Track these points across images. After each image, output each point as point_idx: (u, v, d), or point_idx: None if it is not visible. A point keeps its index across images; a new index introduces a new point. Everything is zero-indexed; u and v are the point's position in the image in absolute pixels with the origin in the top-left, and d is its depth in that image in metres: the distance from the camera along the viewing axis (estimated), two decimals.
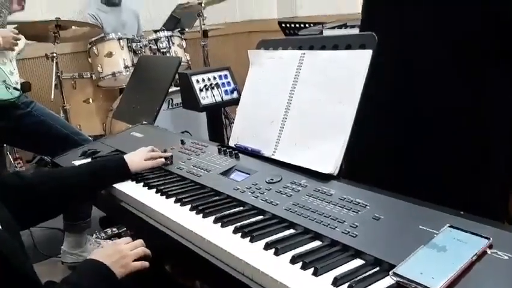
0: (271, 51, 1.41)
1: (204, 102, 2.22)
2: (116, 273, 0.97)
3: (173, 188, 1.20)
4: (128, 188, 1.26)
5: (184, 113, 2.74)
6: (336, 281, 0.74)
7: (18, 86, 1.75)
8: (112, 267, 0.97)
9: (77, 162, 1.50)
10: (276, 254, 0.85)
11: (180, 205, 1.10)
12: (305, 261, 0.80)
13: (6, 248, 0.88)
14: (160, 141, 1.53)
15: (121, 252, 1.03)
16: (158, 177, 1.30)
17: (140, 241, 1.09)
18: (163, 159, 1.37)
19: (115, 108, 2.55)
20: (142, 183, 1.27)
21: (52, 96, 2.79)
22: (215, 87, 2.28)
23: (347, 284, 0.73)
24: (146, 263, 1.04)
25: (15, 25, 2.66)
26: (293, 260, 0.82)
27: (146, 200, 1.17)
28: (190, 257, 0.96)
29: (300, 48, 1.33)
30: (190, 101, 2.27)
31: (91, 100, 3.30)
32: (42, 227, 2.40)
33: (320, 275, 0.77)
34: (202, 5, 3.46)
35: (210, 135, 2.46)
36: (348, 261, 0.81)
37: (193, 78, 2.24)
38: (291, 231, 0.95)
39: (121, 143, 1.65)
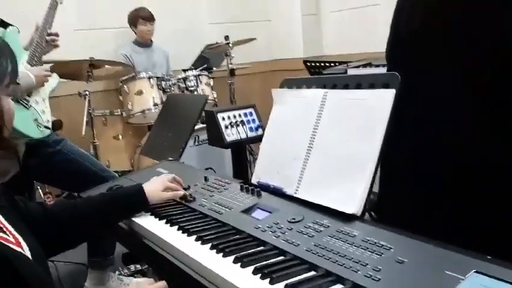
0: (295, 90, 1.42)
1: (228, 139, 2.24)
2: None
3: (195, 226, 1.19)
4: (150, 224, 1.27)
5: (210, 150, 2.77)
6: None
7: (49, 125, 1.81)
8: None
9: None
10: None
11: (201, 243, 1.10)
12: None
13: (32, 275, 0.88)
14: (184, 178, 1.54)
15: None
16: (181, 213, 1.30)
17: (163, 283, 1.08)
18: (181, 193, 1.38)
19: (143, 145, 2.60)
20: (164, 220, 1.28)
21: (83, 133, 2.88)
22: (240, 124, 2.30)
23: None
24: None
25: (51, 64, 2.80)
26: None
27: (167, 237, 1.16)
28: None
29: (323, 87, 1.34)
30: (215, 137, 2.29)
31: (120, 136, 3.39)
32: (67, 262, 2.43)
33: None
34: (230, 45, 3.56)
35: (234, 171, 2.47)
36: None
37: (219, 116, 2.27)
38: (312, 273, 0.92)
39: (146, 179, 1.65)
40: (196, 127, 2.94)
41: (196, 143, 2.93)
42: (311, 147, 1.29)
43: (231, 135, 2.26)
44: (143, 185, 1.36)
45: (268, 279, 0.90)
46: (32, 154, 1.76)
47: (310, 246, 0.99)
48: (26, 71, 1.74)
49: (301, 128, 1.33)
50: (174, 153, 2.04)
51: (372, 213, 2.03)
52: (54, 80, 2.01)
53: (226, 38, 3.62)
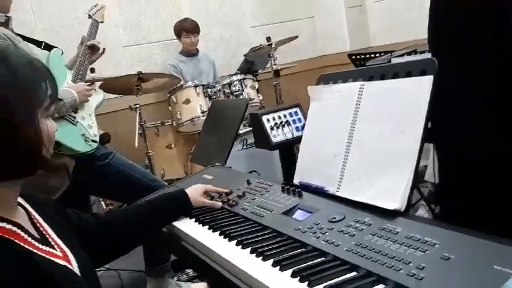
0: (331, 85, 1.38)
1: (275, 140, 2.21)
2: None
3: (236, 230, 1.19)
4: (193, 230, 1.27)
5: (258, 153, 2.75)
6: None
7: (97, 139, 1.87)
8: None
9: None
10: None
11: (241, 248, 1.09)
12: None
13: None
14: (228, 182, 1.55)
15: None
16: (223, 219, 1.30)
17: None
18: (219, 204, 1.41)
19: (193, 152, 2.64)
20: (207, 226, 1.28)
21: (136, 145, 2.97)
22: (285, 125, 2.27)
23: None
24: None
25: (103, 81, 2.92)
26: None
27: (209, 243, 1.16)
28: None
29: (360, 79, 1.29)
30: (261, 140, 2.27)
31: (172, 145, 3.46)
32: (129, 270, 2.51)
33: None
34: (273, 45, 3.54)
35: (283, 172, 2.45)
36: None
37: (264, 118, 2.25)
38: (353, 273, 0.89)
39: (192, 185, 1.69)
40: (243, 131, 2.95)
41: (245, 147, 2.94)
42: (350, 143, 1.25)
43: (277, 136, 2.23)
44: (186, 190, 1.41)
45: (306, 282, 0.87)
46: (82, 169, 1.83)
47: (351, 246, 0.96)
48: (68, 89, 1.82)
49: (339, 124, 1.29)
50: (220, 158, 2.05)
51: (432, 206, 1.93)
52: (99, 95, 2.09)
53: (268, 39, 3.61)
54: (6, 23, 1.82)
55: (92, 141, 1.83)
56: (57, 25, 3.65)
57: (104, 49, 2.17)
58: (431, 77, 1.06)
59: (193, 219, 1.36)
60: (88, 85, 2.22)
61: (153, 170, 3.31)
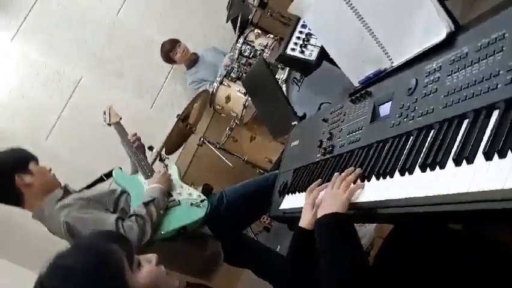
0: None
1: (313, 57, 2.13)
2: (339, 211, 1.02)
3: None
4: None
5: (314, 78, 2.68)
6: None
7: (203, 197, 1.93)
8: (334, 209, 1.02)
9: (283, 205, 1.59)
10: (469, 162, 0.76)
11: (367, 181, 1.07)
12: (498, 149, 0.69)
13: None
14: (310, 135, 1.54)
15: (330, 194, 1.09)
16: (334, 168, 1.28)
17: (336, 174, 1.13)
18: (312, 198, 1.21)
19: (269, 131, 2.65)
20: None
21: (231, 164, 3.06)
22: (309, 38, 2.18)
23: None
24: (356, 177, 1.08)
25: (163, 147, 3.04)
26: (487, 156, 0.72)
27: None
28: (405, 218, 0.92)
29: None
30: (304, 67, 2.21)
31: (254, 135, 3.49)
32: None
33: None
34: None
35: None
36: None
37: (288, 50, 2.18)
38: (465, 123, 0.83)
39: (291, 161, 1.70)
40: (285, 74, 2.88)
41: (299, 83, 2.86)
42: (362, 18, 1.17)
43: (312, 52, 2.15)
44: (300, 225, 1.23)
45: (437, 167, 0.84)
46: (217, 224, 1.92)
47: (443, 101, 0.90)
48: (151, 187, 1.90)
49: (339, 12, 1.22)
50: (290, 116, 2.04)
51: None
52: (173, 167, 2.15)
53: None
54: (66, 191, 1.95)
55: (201, 201, 1.90)
56: (99, 151, 3.79)
57: (136, 133, 2.24)
58: None
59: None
60: (159, 160, 2.31)
61: (261, 166, 3.39)
